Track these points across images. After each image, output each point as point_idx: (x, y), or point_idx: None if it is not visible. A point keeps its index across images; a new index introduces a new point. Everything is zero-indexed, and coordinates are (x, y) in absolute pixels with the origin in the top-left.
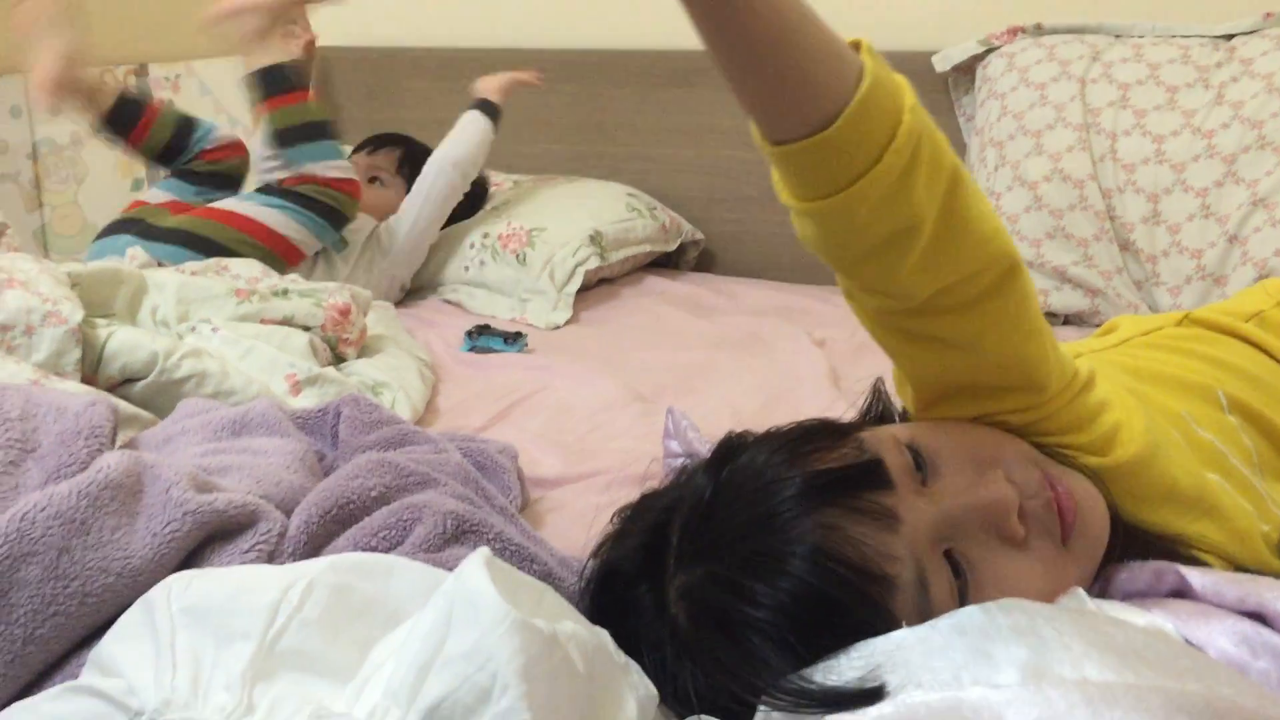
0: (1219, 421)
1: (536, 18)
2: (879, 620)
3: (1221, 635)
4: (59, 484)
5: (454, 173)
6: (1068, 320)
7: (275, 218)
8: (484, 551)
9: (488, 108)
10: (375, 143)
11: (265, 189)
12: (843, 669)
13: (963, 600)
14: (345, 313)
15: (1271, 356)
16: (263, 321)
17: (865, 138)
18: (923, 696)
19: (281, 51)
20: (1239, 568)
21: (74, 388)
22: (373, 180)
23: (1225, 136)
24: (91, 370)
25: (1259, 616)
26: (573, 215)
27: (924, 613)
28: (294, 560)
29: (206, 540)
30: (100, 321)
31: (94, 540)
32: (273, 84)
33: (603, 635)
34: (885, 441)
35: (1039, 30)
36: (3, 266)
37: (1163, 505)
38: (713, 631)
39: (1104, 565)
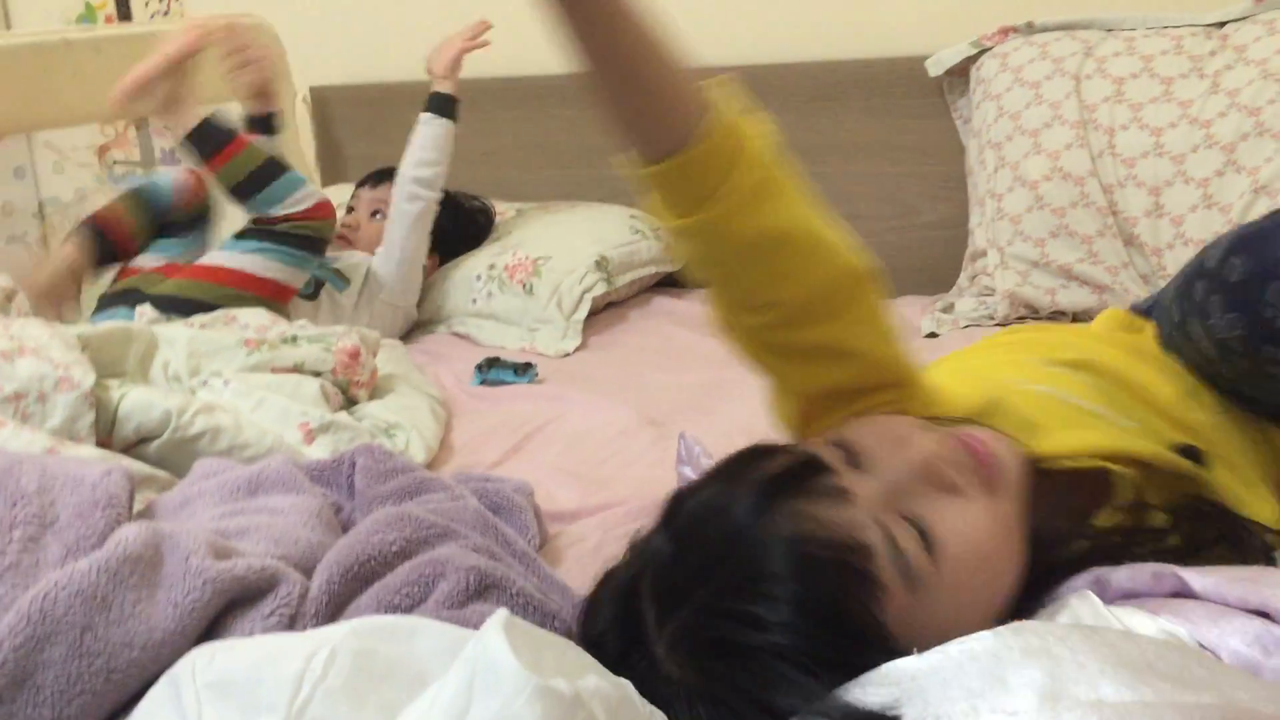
0: (1049, 375)
1: (528, 45)
2: (871, 594)
3: (1233, 635)
4: (79, 560)
5: (419, 188)
6: (1076, 318)
7: (256, 262)
8: (503, 614)
9: (440, 103)
10: (376, 177)
11: (240, 234)
12: (864, 702)
13: (929, 549)
14: (355, 355)
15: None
16: (273, 370)
17: (720, 150)
18: None
19: (244, 87)
20: (1147, 467)
21: (89, 453)
22: (375, 214)
23: (1223, 125)
24: (106, 433)
25: (1263, 615)
26: (577, 242)
27: (904, 571)
28: (317, 621)
29: (228, 606)
30: (113, 382)
31: (116, 615)
32: (205, 144)
33: (626, 687)
34: (814, 443)
35: (1030, 29)
36: (13, 334)
37: (1028, 434)
38: (719, 663)
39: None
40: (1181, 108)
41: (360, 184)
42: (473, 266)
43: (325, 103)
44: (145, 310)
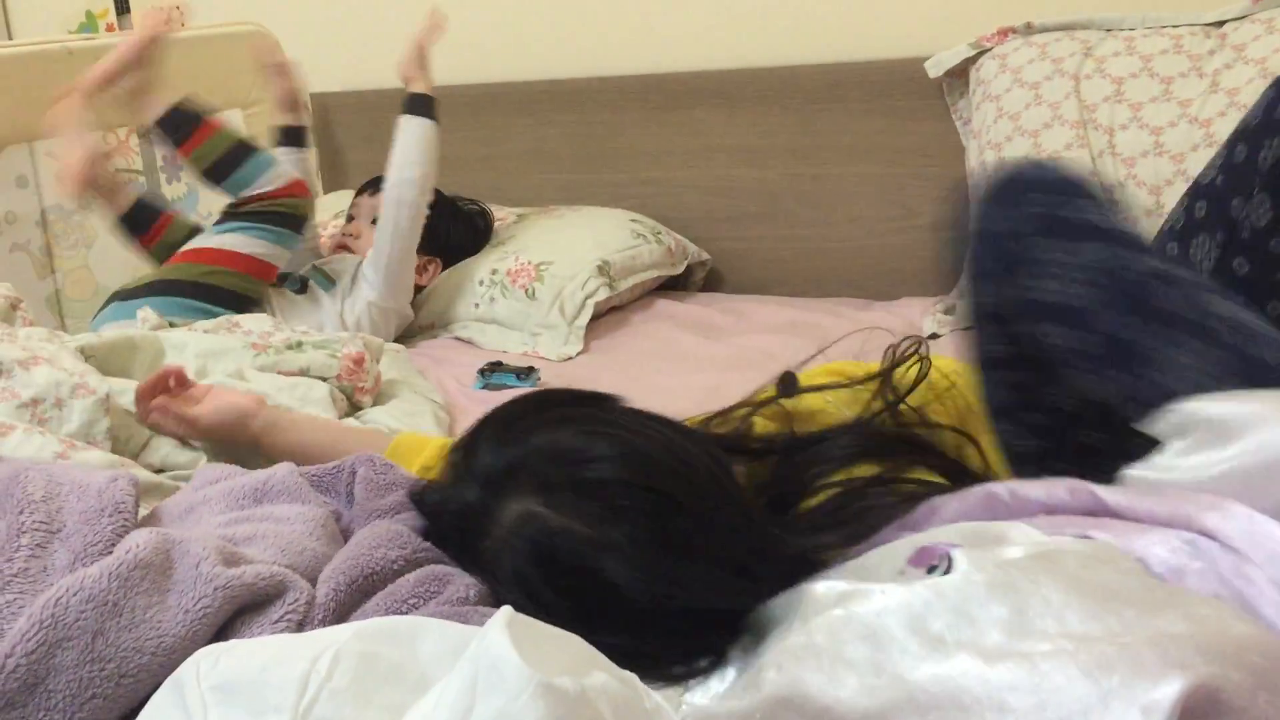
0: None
1: (527, 51)
2: None
3: (1156, 545)
4: (89, 566)
5: (404, 190)
6: None
7: (236, 240)
8: (507, 611)
9: (414, 103)
10: (375, 184)
11: (219, 221)
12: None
13: None
14: (359, 361)
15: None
16: (279, 374)
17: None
18: (913, 673)
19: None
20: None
21: (97, 458)
22: (374, 221)
23: (1223, 125)
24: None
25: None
26: (579, 246)
27: None
28: (323, 627)
29: (237, 612)
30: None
31: (127, 621)
32: (176, 129)
33: (632, 681)
34: None
35: (1029, 29)
36: (27, 346)
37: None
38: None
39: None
40: (1181, 107)
41: (360, 191)
42: (475, 271)
43: (326, 109)
44: (147, 315)
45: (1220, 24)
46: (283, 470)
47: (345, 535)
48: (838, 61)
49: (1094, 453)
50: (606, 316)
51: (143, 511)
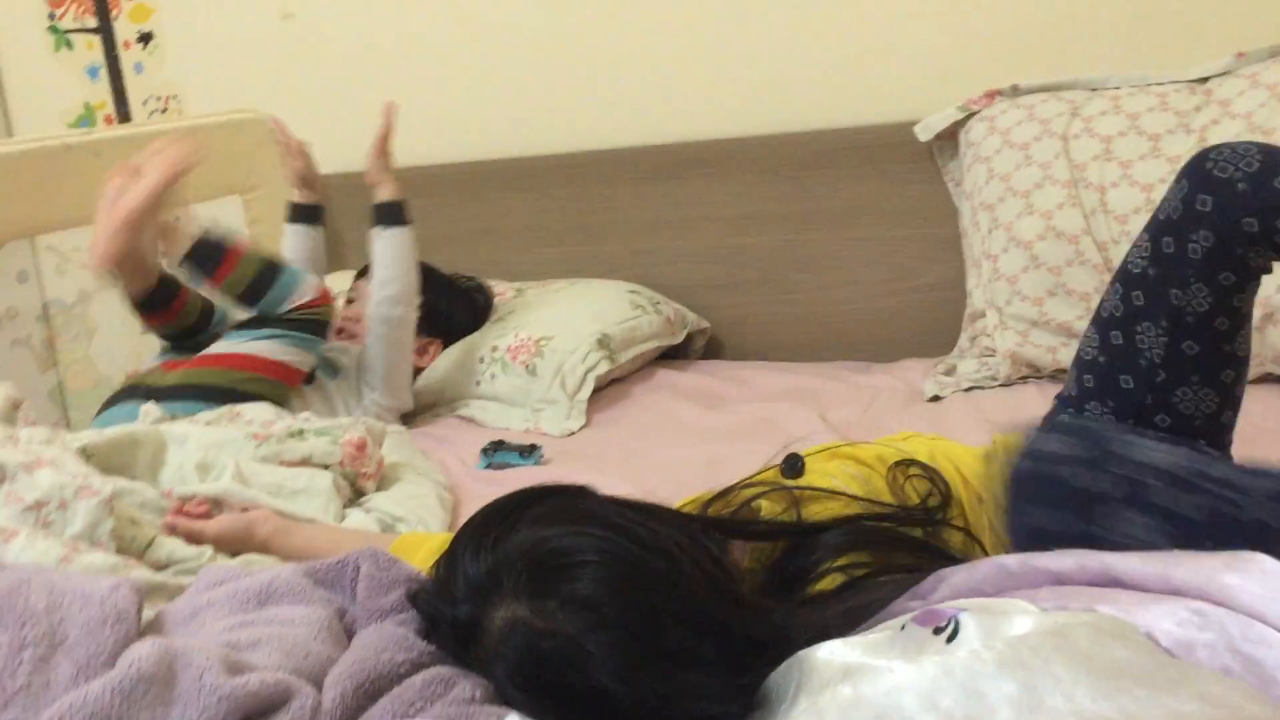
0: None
1: (520, 127)
2: None
3: (1163, 618)
4: (91, 682)
5: (389, 308)
6: None
7: (267, 347)
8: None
9: (386, 214)
10: None
11: (245, 324)
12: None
13: None
14: (361, 447)
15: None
16: (282, 463)
17: None
18: None
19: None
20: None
21: (100, 561)
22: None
23: None
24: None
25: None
26: (578, 320)
27: None
28: None
29: None
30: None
31: None
32: (205, 262)
33: None
34: None
35: (1015, 91)
36: (29, 449)
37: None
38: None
39: None
40: (1170, 163)
41: (359, 276)
42: (475, 349)
43: (325, 191)
44: (150, 409)
45: (1205, 80)
46: (287, 571)
47: (349, 632)
48: (828, 128)
49: None
50: (608, 389)
51: (147, 614)
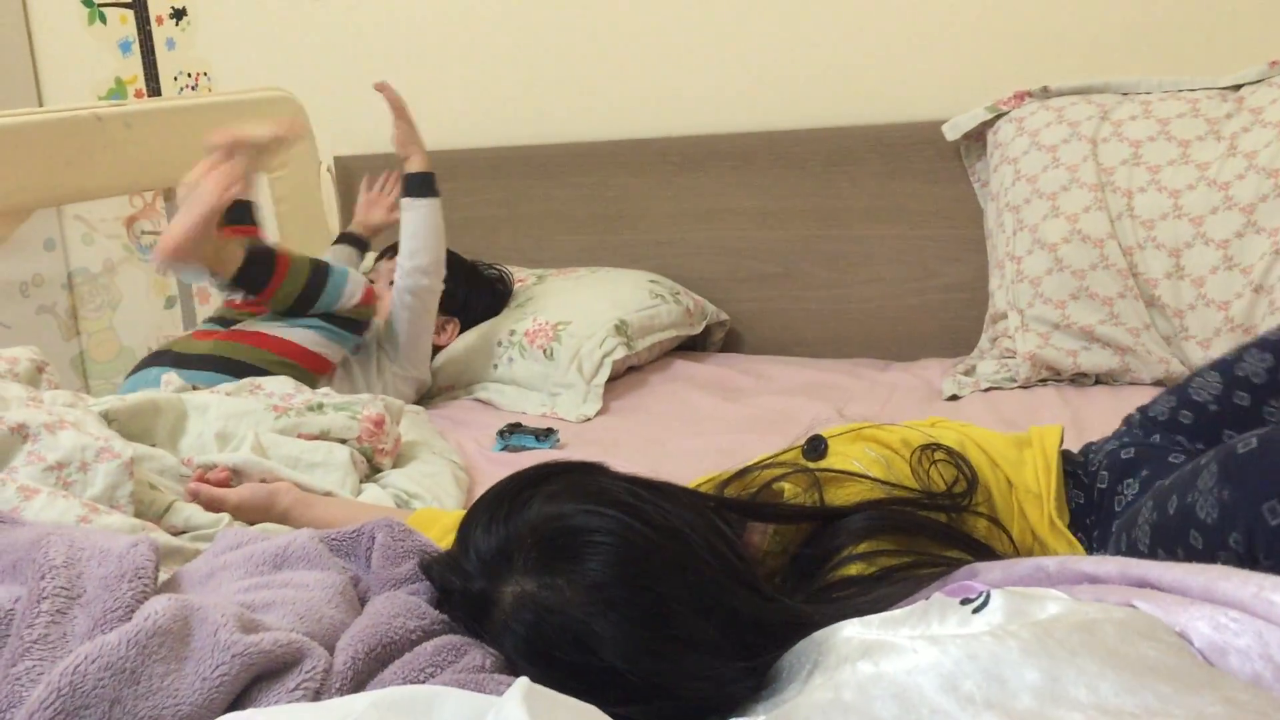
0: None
1: (547, 115)
2: None
3: (1199, 620)
4: (108, 633)
5: (418, 277)
6: (1099, 380)
7: (304, 335)
8: (524, 682)
9: (416, 184)
10: (393, 250)
11: (289, 311)
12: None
13: None
14: (379, 423)
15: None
16: (300, 436)
17: None
18: None
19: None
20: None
21: (119, 522)
22: (392, 283)
23: (1242, 187)
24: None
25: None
26: (597, 306)
27: None
28: (340, 695)
29: (254, 680)
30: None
31: (145, 689)
32: (254, 282)
33: None
34: None
35: (1046, 93)
36: (53, 411)
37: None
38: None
39: None
40: (1200, 170)
41: (379, 256)
42: (494, 333)
43: (349, 172)
44: (171, 378)
45: (1237, 87)
46: (303, 536)
47: (363, 601)
48: (856, 125)
49: None
50: (625, 377)
51: (163, 576)
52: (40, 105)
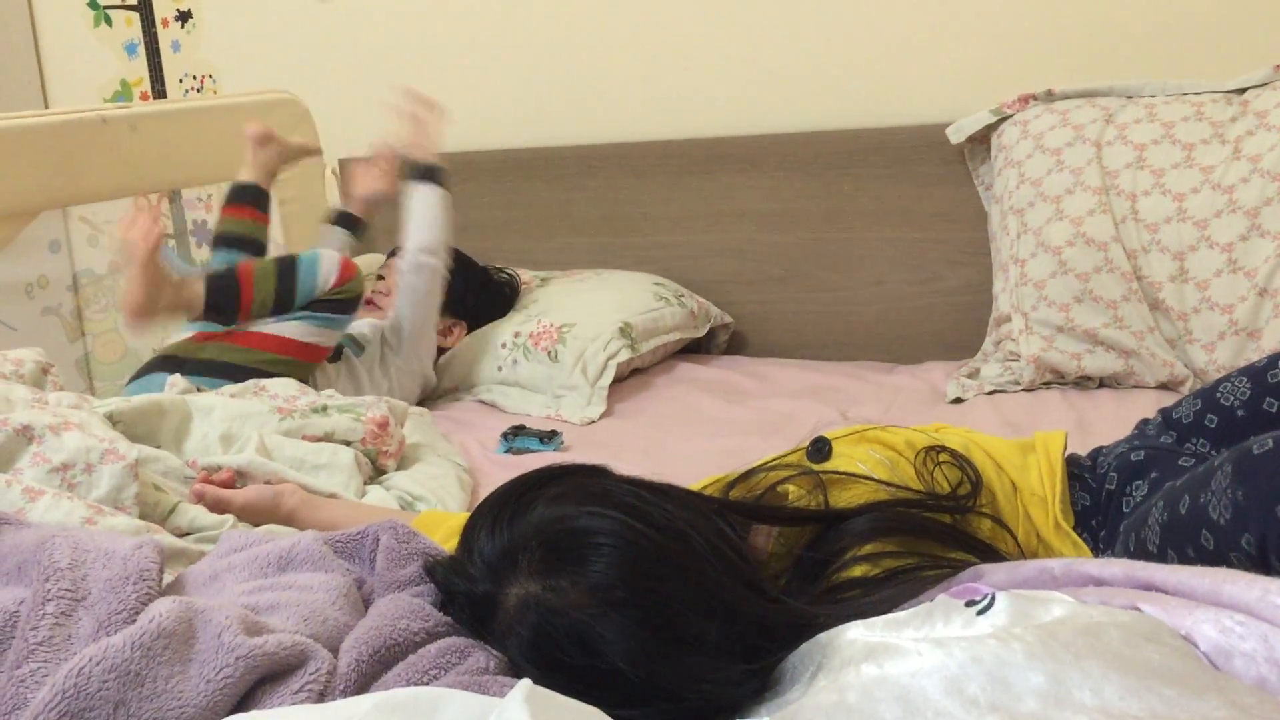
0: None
1: (552, 117)
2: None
3: (1205, 623)
4: (112, 635)
5: (424, 256)
6: (1103, 383)
7: (295, 328)
8: (526, 684)
9: (427, 172)
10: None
11: (274, 314)
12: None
13: None
14: (384, 426)
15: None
16: (304, 438)
17: None
18: None
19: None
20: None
21: (124, 524)
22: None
23: (1246, 191)
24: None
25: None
26: (601, 308)
27: None
28: (344, 697)
29: (259, 682)
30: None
31: (149, 691)
32: (224, 307)
33: None
34: None
35: (1050, 96)
36: (58, 412)
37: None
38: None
39: None
40: (1204, 173)
41: (390, 254)
42: (498, 334)
43: (353, 175)
44: (176, 380)
45: (1242, 91)
46: (307, 538)
47: (367, 603)
48: (860, 127)
49: None
50: (629, 379)
51: (168, 578)
52: (46, 107)
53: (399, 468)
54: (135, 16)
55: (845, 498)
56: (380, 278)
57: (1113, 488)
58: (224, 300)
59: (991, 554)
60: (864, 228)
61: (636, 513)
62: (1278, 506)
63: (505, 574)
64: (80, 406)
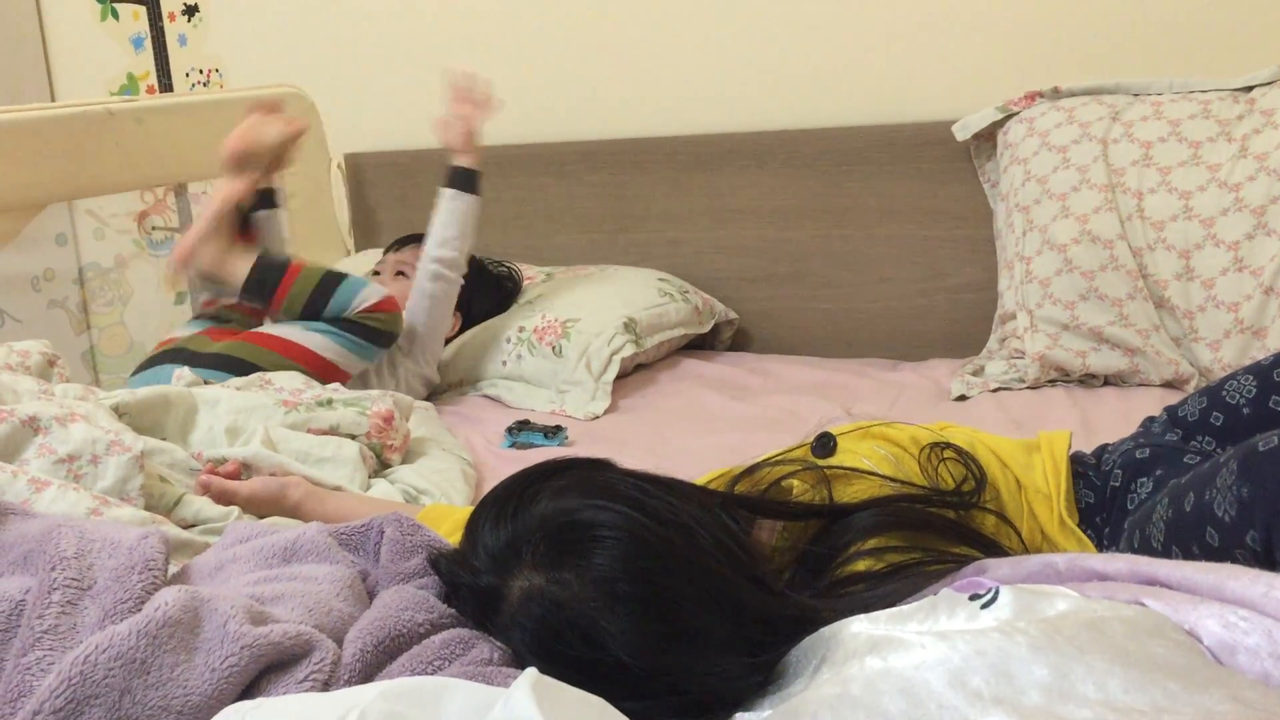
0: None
1: (557, 113)
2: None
3: (1209, 618)
4: (118, 624)
5: (443, 269)
6: (1108, 381)
7: (318, 341)
8: (531, 673)
9: (461, 178)
10: (402, 241)
11: (300, 315)
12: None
13: None
14: (389, 420)
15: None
16: (310, 431)
17: None
18: None
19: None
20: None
21: (129, 515)
22: (399, 274)
23: (1252, 189)
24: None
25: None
26: (606, 304)
27: None
28: (349, 687)
29: (263, 671)
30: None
31: (155, 679)
32: (262, 289)
33: None
34: None
35: (1057, 94)
36: (64, 404)
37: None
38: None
39: None
40: (1210, 171)
41: (387, 249)
42: (502, 329)
43: (359, 169)
44: (183, 373)
45: (1249, 89)
46: (312, 530)
47: (371, 595)
48: (866, 124)
49: None
50: (633, 375)
51: (173, 569)
52: (53, 100)
53: (404, 461)
54: (142, 10)
55: (850, 493)
56: (376, 273)
57: (1117, 485)
58: (265, 283)
59: (995, 549)
60: (869, 225)
61: (640, 506)
62: None
63: (509, 566)
64: (86, 398)
